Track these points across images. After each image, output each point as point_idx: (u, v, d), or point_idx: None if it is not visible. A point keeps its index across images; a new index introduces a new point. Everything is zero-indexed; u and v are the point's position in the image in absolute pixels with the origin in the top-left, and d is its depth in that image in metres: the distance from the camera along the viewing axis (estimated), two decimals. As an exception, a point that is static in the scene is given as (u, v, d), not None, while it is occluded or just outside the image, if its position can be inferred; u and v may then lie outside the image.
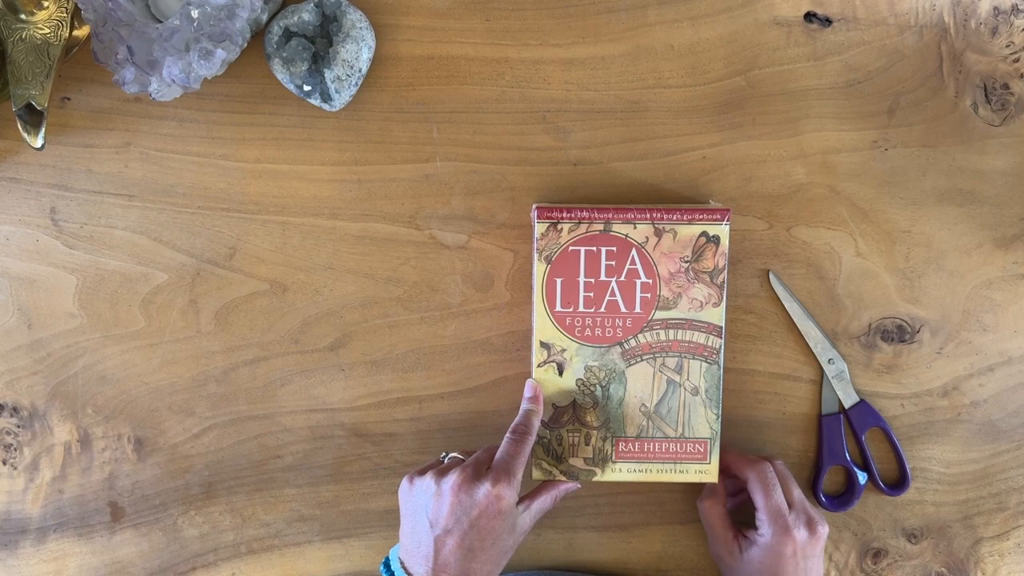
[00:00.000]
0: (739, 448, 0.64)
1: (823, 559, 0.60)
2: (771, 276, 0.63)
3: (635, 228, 0.58)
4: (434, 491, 0.54)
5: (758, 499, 0.58)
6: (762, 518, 0.57)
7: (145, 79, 0.56)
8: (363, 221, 0.63)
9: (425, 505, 0.55)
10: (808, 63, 0.62)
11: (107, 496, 0.65)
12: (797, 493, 0.59)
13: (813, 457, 0.64)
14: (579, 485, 0.60)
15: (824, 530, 0.57)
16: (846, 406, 0.63)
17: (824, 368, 0.63)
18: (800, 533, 0.56)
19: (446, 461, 0.59)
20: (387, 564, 0.56)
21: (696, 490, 0.64)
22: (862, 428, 0.63)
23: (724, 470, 0.61)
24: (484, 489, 0.53)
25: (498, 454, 0.56)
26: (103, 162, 0.63)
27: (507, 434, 0.57)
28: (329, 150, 0.63)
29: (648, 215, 0.58)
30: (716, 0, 0.61)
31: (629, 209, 0.58)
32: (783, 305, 0.63)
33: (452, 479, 0.54)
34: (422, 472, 0.57)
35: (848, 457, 0.63)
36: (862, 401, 0.63)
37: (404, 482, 0.57)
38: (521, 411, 0.59)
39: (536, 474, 0.60)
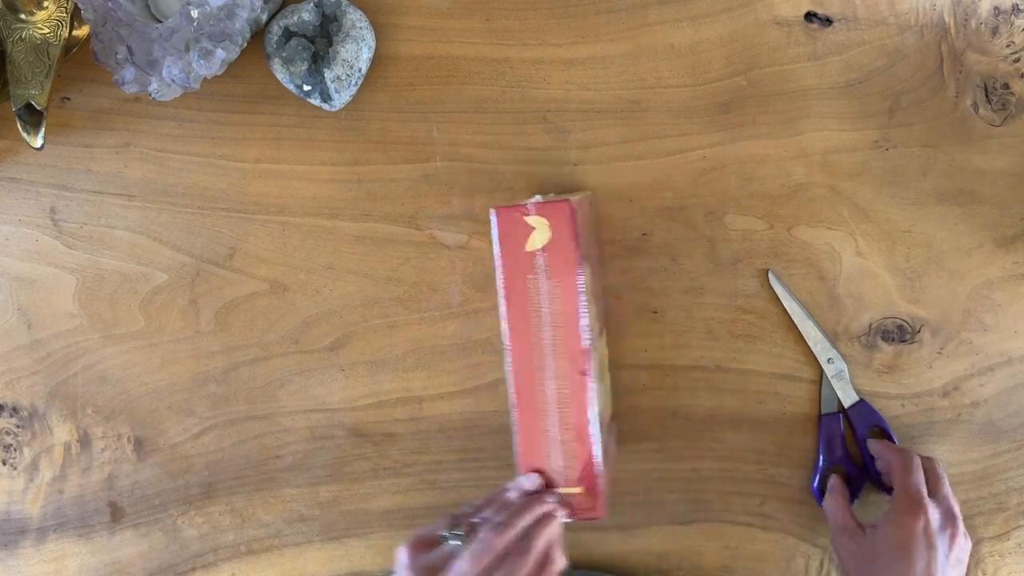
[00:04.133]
0: (738, 448, 0.64)
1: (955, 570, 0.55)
2: (770, 276, 0.63)
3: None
4: None
5: (896, 478, 0.57)
6: (896, 494, 0.56)
7: (145, 79, 0.56)
8: (363, 221, 0.63)
9: None
10: (808, 63, 0.62)
11: (107, 496, 0.65)
12: (946, 490, 0.57)
13: (814, 457, 0.64)
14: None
15: (961, 531, 0.55)
16: (845, 406, 0.63)
17: (823, 368, 0.63)
18: (934, 514, 0.55)
19: (452, 541, 0.50)
20: None
21: (694, 492, 0.64)
22: (862, 428, 0.63)
23: (875, 457, 0.61)
24: None
25: None
26: (103, 162, 0.63)
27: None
28: (329, 150, 0.63)
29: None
30: (716, 0, 0.61)
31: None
32: (783, 305, 0.63)
33: None
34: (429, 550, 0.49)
35: (848, 457, 0.63)
36: (861, 400, 0.63)
37: (403, 554, 0.50)
38: (555, 526, 0.51)
39: None
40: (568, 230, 0.48)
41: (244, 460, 0.65)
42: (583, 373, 0.49)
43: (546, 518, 0.50)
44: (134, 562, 0.66)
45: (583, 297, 0.48)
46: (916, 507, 0.55)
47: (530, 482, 0.52)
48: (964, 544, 0.56)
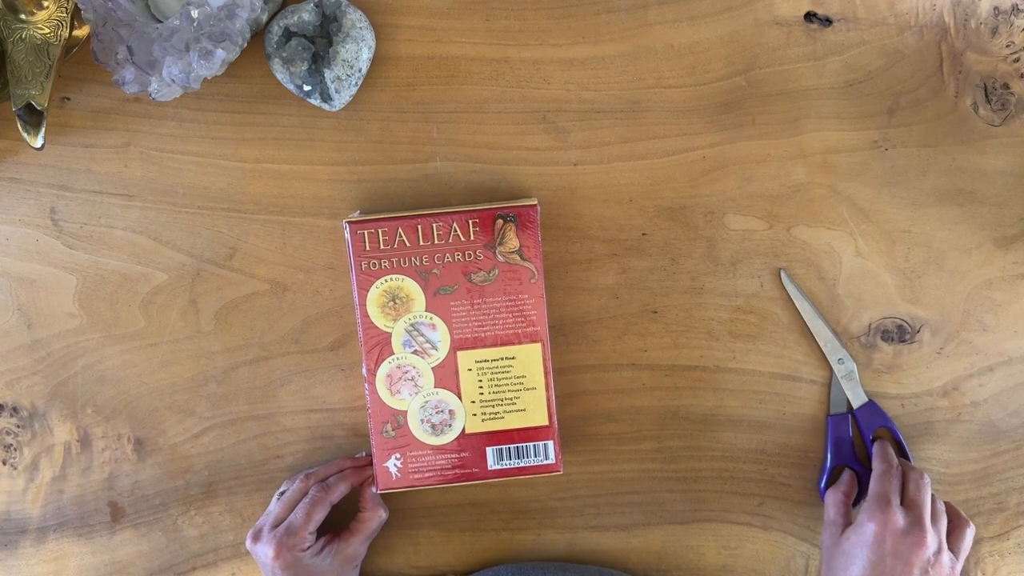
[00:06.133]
0: (738, 448, 0.64)
1: None
2: (782, 275, 0.63)
3: None
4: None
5: (871, 483, 0.58)
6: (866, 500, 0.58)
7: (145, 79, 0.56)
8: (363, 221, 0.63)
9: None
10: (808, 63, 0.62)
11: (107, 496, 0.65)
12: (921, 499, 0.57)
13: (814, 457, 0.64)
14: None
15: (930, 541, 0.54)
16: (855, 406, 0.63)
17: (834, 368, 0.63)
18: (899, 519, 0.55)
19: (277, 500, 0.62)
20: None
21: (694, 492, 0.64)
22: (870, 428, 0.63)
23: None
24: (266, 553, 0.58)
25: (292, 516, 0.59)
26: (103, 162, 0.63)
27: (312, 488, 0.60)
28: (329, 150, 0.63)
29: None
30: (716, 0, 0.61)
31: None
32: (783, 305, 0.63)
33: (249, 542, 0.60)
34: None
35: (855, 457, 0.63)
36: (870, 401, 0.63)
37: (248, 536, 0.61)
38: (342, 473, 0.62)
39: None
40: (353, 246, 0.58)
41: (244, 460, 0.65)
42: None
43: (348, 473, 0.62)
44: (134, 562, 0.66)
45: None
46: (881, 512, 0.56)
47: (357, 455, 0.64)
48: (929, 542, 0.54)
